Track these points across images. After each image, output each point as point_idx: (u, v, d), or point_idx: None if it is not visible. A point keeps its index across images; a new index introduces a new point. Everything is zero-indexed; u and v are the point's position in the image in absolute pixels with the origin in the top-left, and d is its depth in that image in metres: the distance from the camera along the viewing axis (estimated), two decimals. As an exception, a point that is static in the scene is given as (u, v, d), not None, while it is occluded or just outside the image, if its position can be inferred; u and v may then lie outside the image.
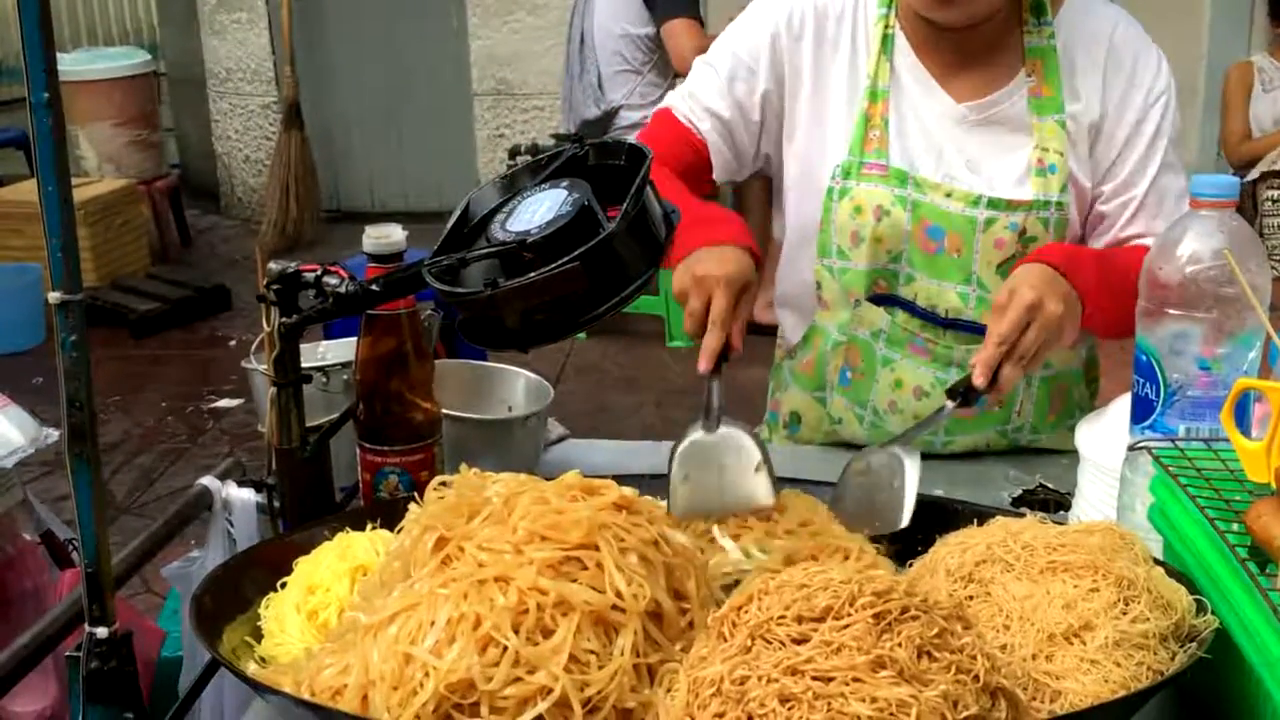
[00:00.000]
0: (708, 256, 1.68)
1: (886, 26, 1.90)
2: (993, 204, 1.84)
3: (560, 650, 1.05)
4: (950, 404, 1.62)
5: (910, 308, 1.90)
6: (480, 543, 1.12)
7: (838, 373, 1.97)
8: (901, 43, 1.91)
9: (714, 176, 1.99)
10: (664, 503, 1.59)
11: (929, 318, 1.90)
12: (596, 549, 1.11)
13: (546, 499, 1.17)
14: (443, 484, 1.26)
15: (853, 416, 1.98)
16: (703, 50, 2.05)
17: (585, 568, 1.11)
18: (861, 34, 1.92)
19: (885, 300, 1.91)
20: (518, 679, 1.04)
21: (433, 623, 1.07)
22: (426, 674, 1.04)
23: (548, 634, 1.06)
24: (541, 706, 1.03)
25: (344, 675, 1.08)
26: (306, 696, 1.09)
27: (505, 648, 1.04)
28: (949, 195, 1.85)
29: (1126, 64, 1.88)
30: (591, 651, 1.06)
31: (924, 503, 1.57)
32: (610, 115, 5.58)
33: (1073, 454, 1.66)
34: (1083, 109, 1.87)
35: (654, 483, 1.66)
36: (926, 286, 1.89)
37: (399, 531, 1.25)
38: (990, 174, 1.87)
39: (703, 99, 1.96)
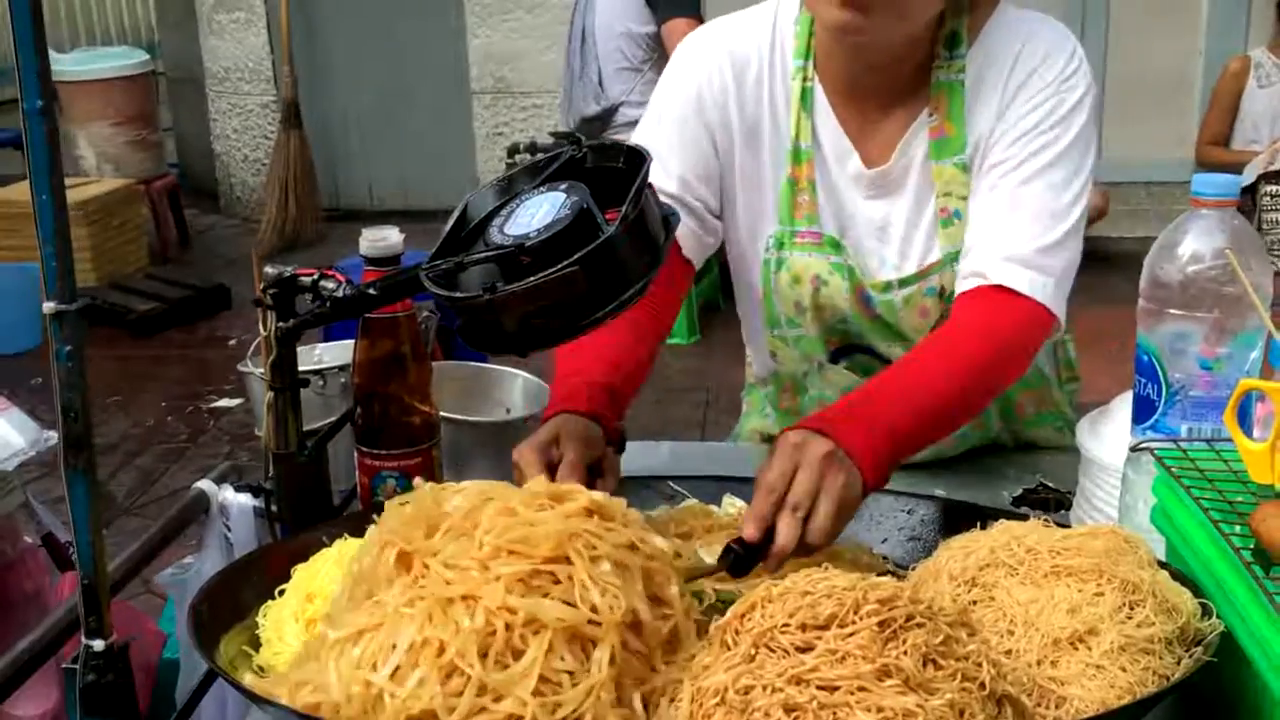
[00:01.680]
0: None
1: (805, 79, 1.75)
2: (904, 282, 1.75)
3: (529, 674, 1.01)
4: (720, 568, 1.35)
5: (871, 352, 1.83)
6: (446, 559, 1.08)
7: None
8: (820, 99, 1.76)
9: (687, 255, 1.82)
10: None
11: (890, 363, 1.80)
12: (568, 560, 1.07)
13: (514, 509, 1.12)
14: (404, 504, 1.20)
15: None
16: None
17: (557, 581, 1.06)
18: (780, 88, 1.77)
19: (846, 350, 1.84)
20: (483, 709, 1.00)
21: (394, 646, 1.03)
22: (386, 703, 1.01)
23: (518, 655, 1.02)
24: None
25: (318, 694, 1.06)
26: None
27: (469, 676, 1.01)
28: (863, 277, 1.76)
29: (1030, 64, 1.68)
30: (566, 670, 1.02)
31: (928, 504, 1.57)
32: (610, 112, 5.57)
33: (1074, 452, 1.65)
34: (982, 130, 1.70)
35: (652, 484, 1.67)
36: (878, 342, 1.81)
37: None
38: (899, 238, 1.76)
39: (664, 185, 1.74)
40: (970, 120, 1.70)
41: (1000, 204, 1.67)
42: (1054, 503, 1.78)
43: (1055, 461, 1.90)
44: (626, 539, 1.12)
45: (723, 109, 1.77)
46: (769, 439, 2.01)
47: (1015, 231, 1.65)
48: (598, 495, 1.15)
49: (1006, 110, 1.68)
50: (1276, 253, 6.36)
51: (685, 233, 1.78)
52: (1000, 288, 1.63)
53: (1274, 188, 6.42)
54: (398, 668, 1.03)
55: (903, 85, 1.73)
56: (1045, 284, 1.63)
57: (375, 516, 1.33)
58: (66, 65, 7.34)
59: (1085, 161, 1.68)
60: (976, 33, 1.71)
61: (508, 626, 1.03)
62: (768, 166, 1.79)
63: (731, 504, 1.60)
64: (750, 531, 1.34)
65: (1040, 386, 1.96)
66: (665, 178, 1.76)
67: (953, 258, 1.71)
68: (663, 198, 1.54)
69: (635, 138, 1.78)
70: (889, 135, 1.75)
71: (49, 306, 1.09)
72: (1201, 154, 6.74)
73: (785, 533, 1.34)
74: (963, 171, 1.71)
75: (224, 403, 5.40)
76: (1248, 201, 6.65)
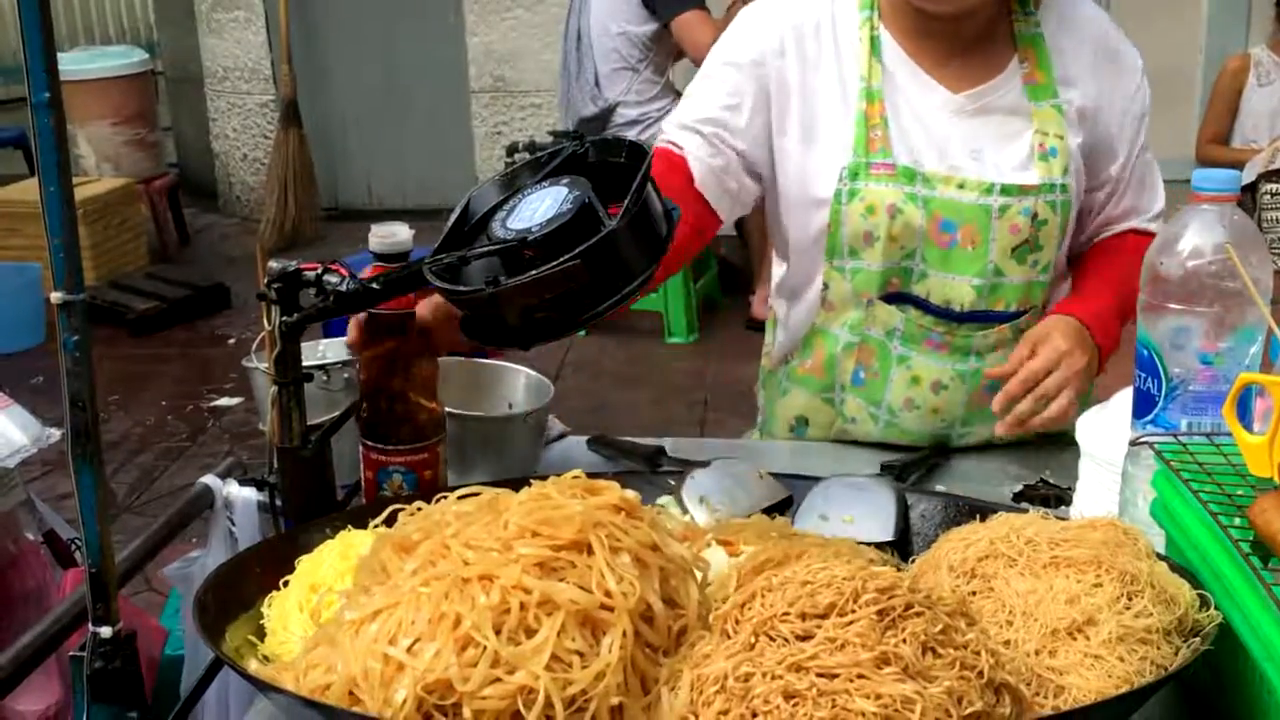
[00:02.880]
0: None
1: (872, 29, 1.91)
2: (1005, 190, 1.87)
3: (542, 650, 1.03)
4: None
5: (923, 305, 1.91)
6: (467, 540, 1.11)
7: (850, 373, 1.97)
8: (889, 41, 1.91)
9: (710, 200, 1.94)
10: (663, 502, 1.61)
11: (943, 314, 1.91)
12: (589, 547, 1.09)
13: (548, 494, 1.16)
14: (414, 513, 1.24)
15: (867, 416, 1.98)
16: (718, 37, 2.04)
17: (576, 566, 1.08)
18: (845, 42, 1.92)
19: (897, 299, 1.91)
20: (497, 679, 1.02)
21: (413, 621, 1.05)
22: (404, 674, 1.03)
23: (531, 633, 1.04)
24: (532, 715, 1.01)
25: (330, 674, 1.07)
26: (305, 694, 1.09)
27: (485, 648, 1.02)
28: (961, 186, 1.87)
29: (1112, 53, 1.96)
30: (577, 652, 1.04)
31: (928, 498, 1.58)
32: (608, 113, 5.58)
33: (1075, 448, 1.66)
34: (1076, 94, 1.92)
35: (654, 478, 1.68)
36: (941, 282, 1.90)
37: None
38: (995, 161, 1.89)
39: (689, 117, 1.94)
40: (1060, 72, 1.92)
41: (1137, 178, 2.01)
42: (1055, 499, 1.79)
43: (1057, 459, 1.91)
44: (650, 539, 1.14)
45: (779, 71, 1.92)
46: (804, 422, 2.08)
47: (1151, 199, 2.03)
48: (630, 494, 1.17)
49: (1112, 89, 1.95)
50: (1277, 250, 6.38)
51: (712, 184, 1.93)
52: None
53: (1274, 186, 6.43)
54: (416, 640, 1.04)
55: (975, 34, 1.91)
56: None
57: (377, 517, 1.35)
58: (66, 64, 7.26)
59: None
60: None
61: (522, 605, 1.05)
62: (839, 109, 1.91)
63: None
64: (997, 407, 1.77)
65: None
66: (699, 111, 1.94)
67: (1048, 188, 1.89)
68: (695, 130, 1.91)
69: (688, 91, 2.01)
70: (976, 70, 1.92)
71: (57, 296, 1.10)
72: (1202, 152, 6.75)
73: (1025, 413, 1.76)
74: (1059, 112, 1.90)
75: (224, 401, 5.40)
76: (1248, 200, 6.66)
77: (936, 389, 1.93)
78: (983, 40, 1.91)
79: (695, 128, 1.93)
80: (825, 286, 1.94)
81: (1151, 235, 1.85)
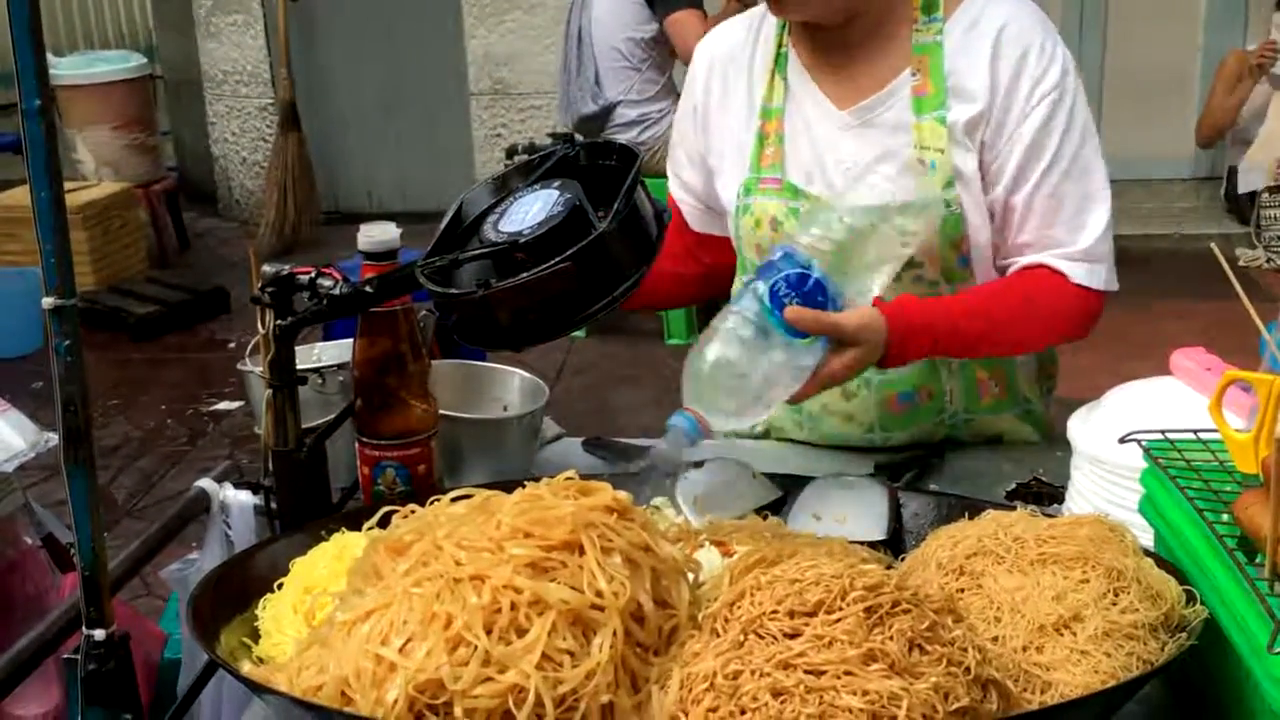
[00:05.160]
0: None
1: (780, 46, 1.94)
2: (869, 212, 1.78)
3: (532, 649, 1.04)
4: None
5: None
6: (459, 540, 1.12)
7: None
8: (794, 58, 1.93)
9: (716, 234, 2.05)
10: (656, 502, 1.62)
11: None
12: (580, 548, 1.10)
13: (540, 495, 1.16)
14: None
15: (792, 424, 2.02)
16: None
17: (567, 567, 1.09)
18: (760, 62, 1.96)
19: None
20: (488, 679, 1.03)
21: (405, 622, 1.06)
22: (396, 674, 1.04)
23: (522, 633, 1.05)
24: (522, 715, 1.01)
25: (322, 675, 1.08)
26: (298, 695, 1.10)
27: (476, 647, 1.03)
28: (831, 208, 1.81)
29: (1012, 60, 1.81)
30: (568, 651, 1.05)
31: (918, 496, 1.59)
32: (608, 111, 5.58)
33: (1068, 447, 1.67)
34: (970, 107, 1.82)
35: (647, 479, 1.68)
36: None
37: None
38: (872, 179, 1.83)
39: (671, 171, 2.09)
40: (952, 81, 1.83)
41: (1041, 209, 1.84)
42: (1047, 497, 1.80)
43: (1051, 457, 1.91)
44: (642, 540, 1.15)
45: (705, 104, 2.00)
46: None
47: (1064, 233, 1.84)
48: (622, 495, 1.18)
49: (1009, 95, 1.81)
50: (1275, 248, 6.38)
51: (709, 223, 2.06)
52: (1057, 272, 1.84)
53: (1275, 182, 6.46)
54: (408, 640, 1.05)
55: (866, 43, 1.87)
56: (1096, 271, 1.86)
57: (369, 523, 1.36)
58: (64, 69, 7.35)
59: (1093, 131, 1.86)
60: (954, 3, 1.86)
61: (513, 605, 1.06)
62: (743, 128, 1.95)
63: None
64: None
65: (1001, 368, 1.99)
66: (674, 165, 2.09)
67: (920, 205, 1.74)
68: (677, 182, 2.05)
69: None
70: (865, 84, 1.88)
71: (48, 301, 1.11)
72: (1201, 135, 6.84)
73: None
74: (940, 125, 1.83)
75: (223, 405, 5.41)
76: (1246, 201, 6.68)
77: (848, 396, 1.93)
78: (875, 50, 1.87)
79: (676, 180, 2.07)
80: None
81: (1062, 276, 1.82)
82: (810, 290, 1.53)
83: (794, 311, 1.51)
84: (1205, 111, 6.87)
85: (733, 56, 1.98)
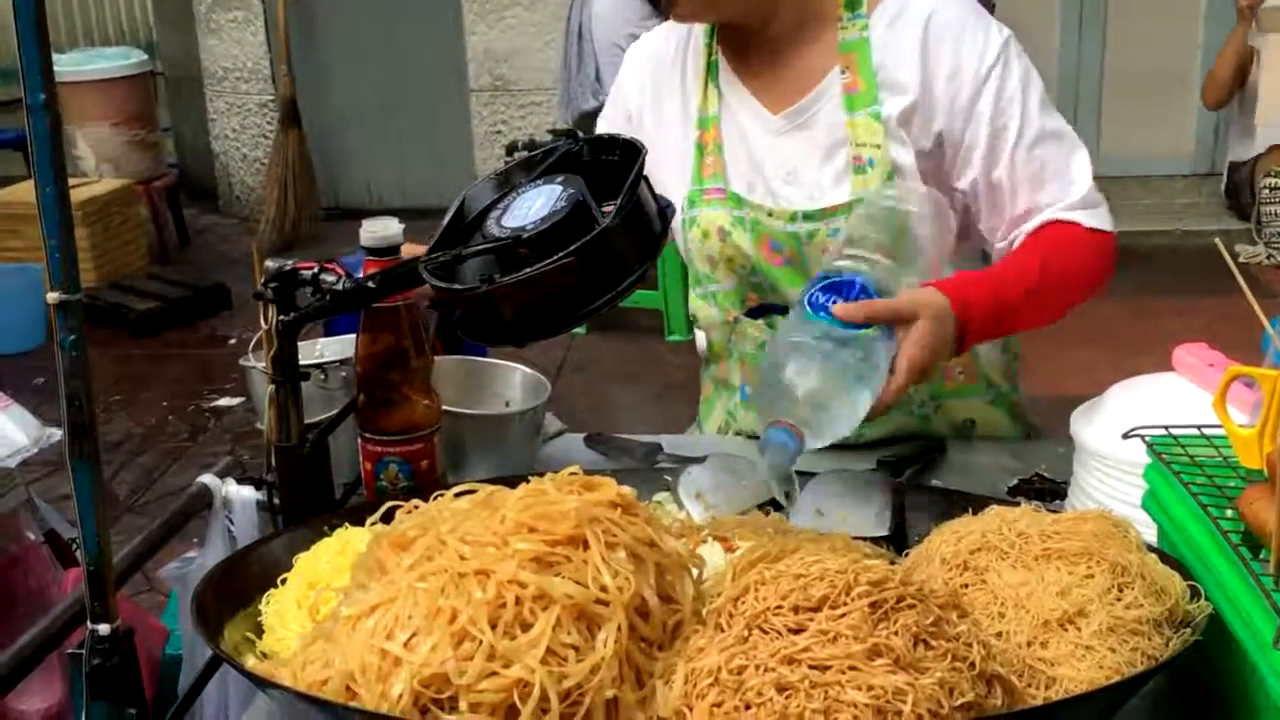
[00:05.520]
0: None
1: (710, 54, 1.92)
2: (808, 216, 1.84)
3: (537, 643, 1.03)
4: None
5: (786, 311, 1.86)
6: (464, 535, 1.12)
7: (739, 390, 2.01)
8: (724, 66, 1.92)
9: None
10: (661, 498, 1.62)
11: None
12: (585, 542, 1.10)
13: (544, 490, 1.17)
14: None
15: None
16: None
17: (571, 561, 1.09)
18: (692, 70, 1.95)
19: (761, 311, 1.93)
20: (493, 673, 1.03)
21: (410, 616, 1.06)
22: (401, 668, 1.04)
23: (526, 628, 1.05)
24: (527, 709, 1.01)
25: (327, 669, 1.08)
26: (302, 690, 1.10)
27: (481, 641, 1.03)
28: (770, 214, 1.86)
29: (946, 48, 1.81)
30: (572, 646, 1.05)
31: (921, 492, 1.59)
32: (607, 107, 5.58)
33: (1071, 443, 1.67)
34: (902, 100, 1.81)
35: (650, 475, 1.68)
36: (792, 293, 1.86)
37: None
38: (809, 181, 1.86)
39: None
40: (882, 75, 1.82)
41: (1027, 175, 1.82)
42: (1050, 492, 1.80)
43: (1053, 453, 1.91)
44: (646, 535, 1.15)
45: (639, 109, 2.00)
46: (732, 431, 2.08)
47: (1062, 188, 1.83)
48: (626, 490, 1.18)
49: (954, 80, 1.80)
50: (1275, 245, 6.38)
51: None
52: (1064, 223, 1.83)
53: (1273, 180, 6.45)
54: (412, 635, 1.05)
55: (790, 44, 1.86)
56: (1100, 214, 1.85)
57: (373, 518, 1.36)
58: (65, 65, 7.34)
59: (1039, 85, 1.84)
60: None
61: (518, 600, 1.05)
62: (682, 137, 1.94)
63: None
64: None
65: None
66: None
67: (860, 204, 1.77)
68: None
69: None
70: (795, 86, 1.87)
71: (53, 297, 1.11)
72: (1210, 96, 6.90)
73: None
74: (875, 120, 1.81)
75: (225, 401, 5.41)
76: (1246, 191, 6.68)
77: None
78: (802, 52, 1.87)
79: None
80: (693, 316, 2.00)
81: (1076, 224, 1.82)
82: (855, 296, 1.54)
83: (841, 307, 1.51)
84: (1209, 74, 6.90)
85: (671, 59, 1.97)
